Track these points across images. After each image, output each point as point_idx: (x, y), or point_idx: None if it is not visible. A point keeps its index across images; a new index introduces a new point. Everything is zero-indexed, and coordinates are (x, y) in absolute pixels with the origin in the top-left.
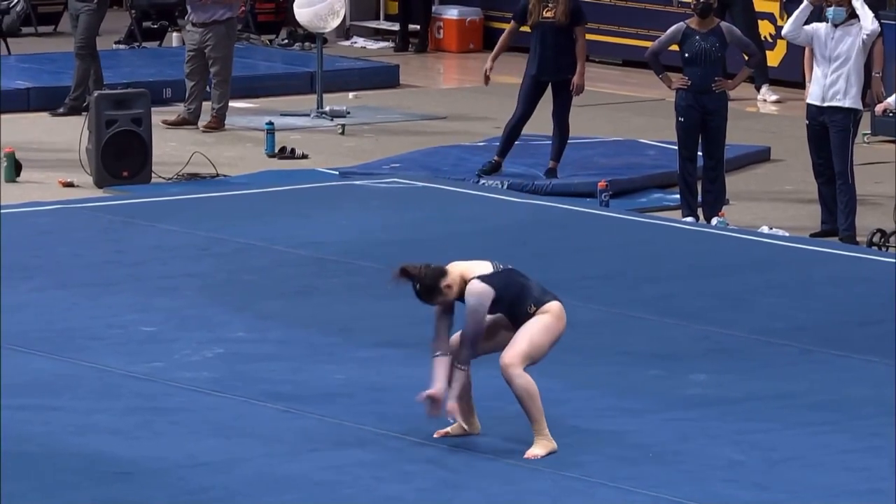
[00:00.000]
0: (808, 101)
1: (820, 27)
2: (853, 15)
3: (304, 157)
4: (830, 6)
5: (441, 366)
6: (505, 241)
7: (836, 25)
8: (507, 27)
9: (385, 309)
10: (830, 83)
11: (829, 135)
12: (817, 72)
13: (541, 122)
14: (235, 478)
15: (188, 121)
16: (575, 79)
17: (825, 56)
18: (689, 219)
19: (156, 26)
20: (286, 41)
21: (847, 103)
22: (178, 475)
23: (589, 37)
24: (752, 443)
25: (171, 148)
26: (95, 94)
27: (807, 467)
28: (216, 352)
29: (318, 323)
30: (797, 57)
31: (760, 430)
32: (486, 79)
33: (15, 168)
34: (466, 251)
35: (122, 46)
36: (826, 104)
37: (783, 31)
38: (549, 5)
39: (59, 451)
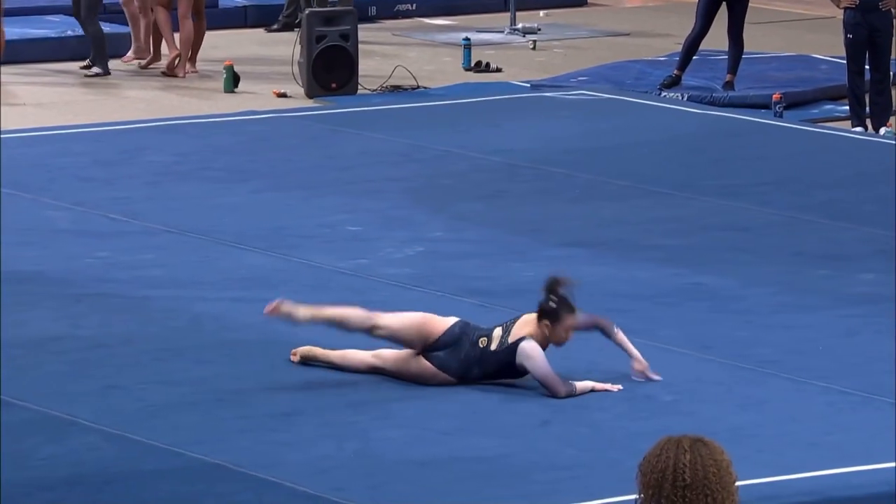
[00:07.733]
0: None
1: None
2: None
3: (498, 70)
4: None
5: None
6: (685, 150)
7: None
8: None
9: (573, 211)
10: None
11: None
12: None
13: (718, 38)
14: None
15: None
16: None
17: None
18: (858, 129)
19: None
20: None
21: None
22: None
23: None
24: None
25: (376, 62)
26: (307, 11)
27: None
28: (417, 250)
29: (509, 224)
30: None
31: None
32: None
33: (233, 79)
34: (649, 158)
35: None
36: None
37: None
38: None
39: (274, 338)
